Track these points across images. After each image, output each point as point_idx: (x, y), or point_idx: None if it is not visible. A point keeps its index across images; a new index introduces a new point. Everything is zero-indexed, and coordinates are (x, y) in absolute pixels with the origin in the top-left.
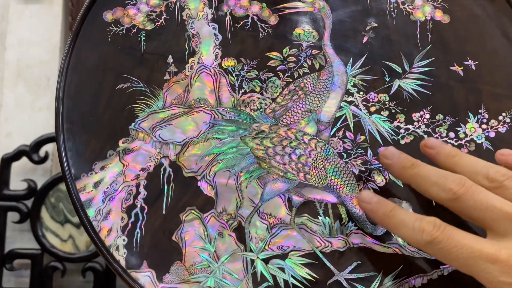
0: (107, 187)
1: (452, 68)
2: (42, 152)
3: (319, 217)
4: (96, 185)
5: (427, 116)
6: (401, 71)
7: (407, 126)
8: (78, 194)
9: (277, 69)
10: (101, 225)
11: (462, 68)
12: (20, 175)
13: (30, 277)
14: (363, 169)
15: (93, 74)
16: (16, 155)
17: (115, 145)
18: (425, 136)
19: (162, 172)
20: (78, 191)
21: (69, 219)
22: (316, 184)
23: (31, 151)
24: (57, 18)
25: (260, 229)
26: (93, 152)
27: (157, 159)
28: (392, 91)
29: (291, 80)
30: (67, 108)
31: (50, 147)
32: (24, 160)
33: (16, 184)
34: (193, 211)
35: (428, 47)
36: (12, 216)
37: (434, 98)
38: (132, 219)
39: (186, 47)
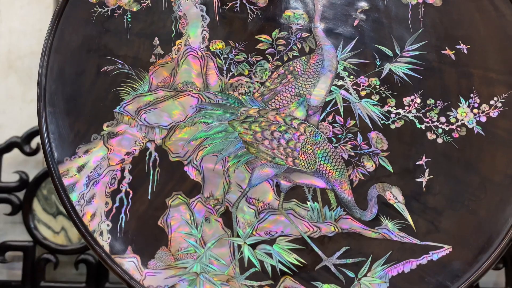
0: (91, 172)
1: (443, 52)
2: (33, 144)
3: (307, 202)
4: (80, 169)
5: (418, 100)
6: (392, 55)
7: (398, 111)
8: (61, 178)
9: (266, 52)
10: (84, 209)
11: (454, 52)
12: (12, 167)
13: (22, 270)
14: (352, 154)
15: (76, 56)
16: (8, 147)
17: (100, 129)
18: (416, 120)
19: (147, 157)
20: (61, 175)
21: (61, 211)
22: (305, 169)
23: (23, 143)
24: (49, 8)
25: (247, 214)
26: (77, 135)
27: (143, 143)
28: (383, 75)
29: (280, 63)
30: (50, 91)
31: None
32: (16, 151)
33: (8, 176)
34: (179, 196)
35: (420, 31)
36: (4, 208)
37: (425, 82)
38: (117, 204)
39: (173, 29)
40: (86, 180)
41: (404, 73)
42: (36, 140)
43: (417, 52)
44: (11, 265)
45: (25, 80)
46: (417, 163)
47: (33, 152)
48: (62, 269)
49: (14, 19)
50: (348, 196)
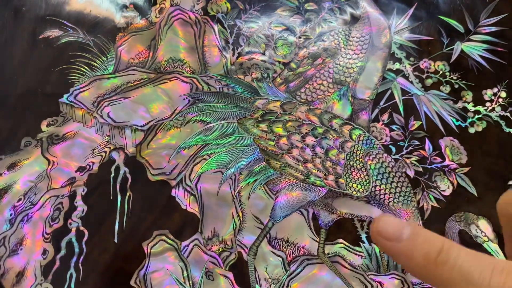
0: (19, 199)
1: None
2: None
3: (360, 243)
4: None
5: (503, 94)
6: (463, 31)
7: (477, 108)
8: None
9: (290, 19)
10: (6, 264)
11: None
12: None
13: None
14: (420, 169)
15: None
16: None
17: (35, 129)
18: (502, 122)
19: (113, 174)
20: None
21: None
22: (354, 192)
23: None
24: None
25: (272, 265)
26: None
27: (105, 152)
28: (453, 57)
29: (310, 36)
30: None
31: None
32: None
33: None
34: (164, 238)
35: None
36: None
37: (510, 70)
38: (62, 252)
39: None
40: (11, 214)
41: (480, 56)
42: None
43: (496, 28)
44: None
45: None
46: (510, 182)
47: None
48: None
49: None
50: None
